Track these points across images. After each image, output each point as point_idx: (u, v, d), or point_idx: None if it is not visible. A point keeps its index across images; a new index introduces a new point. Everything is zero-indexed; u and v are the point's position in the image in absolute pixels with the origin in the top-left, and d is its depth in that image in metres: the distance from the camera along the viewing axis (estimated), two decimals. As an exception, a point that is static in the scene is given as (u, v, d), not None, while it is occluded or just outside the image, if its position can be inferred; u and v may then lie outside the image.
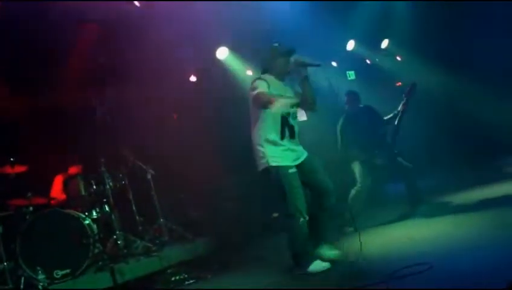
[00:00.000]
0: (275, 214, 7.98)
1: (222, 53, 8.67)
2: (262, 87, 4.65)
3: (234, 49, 8.72)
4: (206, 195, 8.64)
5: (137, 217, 7.20)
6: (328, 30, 9.09)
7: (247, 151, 8.49)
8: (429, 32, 10.07)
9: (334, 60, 10.22)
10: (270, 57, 4.94)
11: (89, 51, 7.47)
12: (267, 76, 4.88)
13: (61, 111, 7.71)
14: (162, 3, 7.19)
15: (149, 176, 7.46)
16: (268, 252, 6.41)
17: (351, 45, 10.14)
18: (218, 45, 8.61)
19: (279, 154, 4.73)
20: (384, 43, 10.75)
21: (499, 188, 6.60)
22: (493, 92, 9.63)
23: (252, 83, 4.81)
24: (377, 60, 11.03)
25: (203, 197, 8.62)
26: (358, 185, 6.71)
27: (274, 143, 4.74)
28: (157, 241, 7.01)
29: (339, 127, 7.00)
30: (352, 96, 7.17)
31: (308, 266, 4.64)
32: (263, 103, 4.60)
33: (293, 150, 4.82)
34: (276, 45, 4.97)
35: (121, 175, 7.11)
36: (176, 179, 8.42)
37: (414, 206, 6.65)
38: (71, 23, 6.89)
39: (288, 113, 4.84)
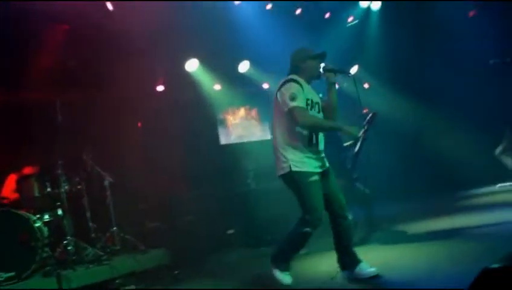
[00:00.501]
0: (231, 231, 7.97)
1: (192, 65, 8.66)
2: (298, 93, 4.43)
3: (204, 61, 8.72)
4: (164, 207, 8.55)
5: (90, 224, 7.04)
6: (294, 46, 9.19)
7: (210, 165, 8.63)
8: (399, 63, 10.29)
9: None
10: (301, 58, 4.69)
11: (55, 52, 7.37)
12: (298, 78, 4.61)
13: (18, 110, 7.53)
14: (135, 12, 7.18)
15: (107, 183, 7.33)
16: (221, 268, 6.38)
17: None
18: (189, 56, 8.61)
19: (302, 159, 4.52)
20: (354, 69, 10.91)
21: (450, 220, 6.75)
22: (456, 126, 9.87)
23: (284, 83, 4.57)
24: (345, 84, 11.18)
25: (161, 209, 8.53)
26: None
27: (299, 149, 4.54)
28: (109, 250, 6.87)
29: None
30: None
31: (281, 270, 4.71)
32: (305, 123, 4.44)
33: (317, 158, 4.62)
34: (306, 48, 4.81)
35: (77, 179, 6.97)
36: (135, 188, 8.31)
37: (369, 232, 6.71)
38: (38, 23, 6.80)
39: (315, 105, 4.67)
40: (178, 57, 8.45)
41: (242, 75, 9.15)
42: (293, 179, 4.54)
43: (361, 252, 5.78)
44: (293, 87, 4.47)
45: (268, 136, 9.80)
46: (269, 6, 9.01)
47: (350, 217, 4.77)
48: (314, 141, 4.56)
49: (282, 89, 4.52)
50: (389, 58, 10.21)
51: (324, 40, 9.53)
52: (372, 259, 5.27)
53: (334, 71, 4.71)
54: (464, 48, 9.43)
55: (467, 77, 9.46)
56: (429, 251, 5.10)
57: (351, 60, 10.42)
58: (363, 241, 6.39)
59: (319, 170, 4.61)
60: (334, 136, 7.02)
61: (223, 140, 9.34)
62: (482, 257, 4.39)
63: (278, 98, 4.56)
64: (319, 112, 4.66)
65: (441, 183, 9.60)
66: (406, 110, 10.37)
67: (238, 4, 8.67)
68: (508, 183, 9.13)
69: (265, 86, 9.64)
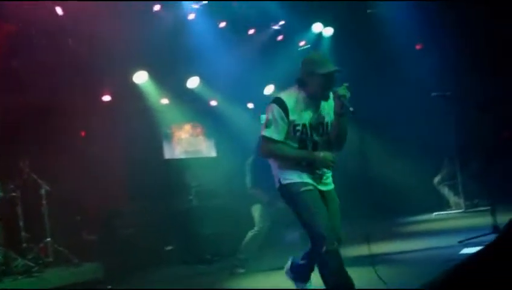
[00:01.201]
0: (169, 247, 7.86)
1: (140, 77, 8.55)
2: (275, 120, 3.81)
3: (154, 74, 8.63)
4: (103, 219, 8.35)
5: (23, 233, 6.79)
6: (250, 69, 9.26)
7: (153, 179, 8.51)
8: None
9: (250, 102, 10.32)
10: (308, 70, 3.90)
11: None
12: (294, 94, 3.92)
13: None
14: (85, 19, 7.07)
15: (43, 191, 7.10)
16: (156, 285, 6.26)
17: (269, 89, 10.31)
18: (138, 68, 8.50)
19: (293, 170, 3.93)
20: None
21: (385, 245, 6.89)
22: (399, 154, 10.10)
23: (271, 102, 3.94)
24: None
25: (100, 221, 8.33)
26: (256, 227, 6.71)
27: (288, 165, 3.96)
28: (41, 262, 6.62)
29: (247, 167, 7.01)
30: None
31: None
32: (264, 156, 4.03)
33: (313, 176, 3.95)
34: (320, 57, 4.10)
35: (12, 186, 6.74)
36: (73, 198, 8.07)
37: None
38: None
39: (315, 143, 3.96)
40: (127, 68, 8.33)
41: (191, 90, 9.11)
42: (284, 194, 4.02)
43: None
44: (273, 111, 3.84)
45: (213, 154, 9.77)
46: (223, 24, 9.05)
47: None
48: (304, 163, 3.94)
49: (267, 108, 3.94)
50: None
51: (275, 61, 9.64)
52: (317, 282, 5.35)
53: (342, 102, 3.81)
54: (409, 79, 9.72)
55: (411, 107, 9.74)
56: (360, 275, 5.13)
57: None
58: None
59: (316, 183, 3.94)
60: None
61: (168, 154, 9.23)
62: (410, 281, 4.46)
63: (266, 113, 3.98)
64: (319, 135, 3.96)
65: (382, 209, 9.78)
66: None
67: (192, 20, 8.68)
68: (444, 212, 9.42)
69: (213, 103, 9.62)
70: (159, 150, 9.15)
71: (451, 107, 7.60)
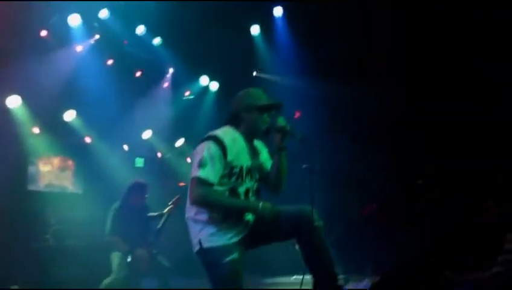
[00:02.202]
0: (15, 286, 7.30)
1: (13, 101, 8.06)
2: (211, 160, 3.36)
3: (28, 101, 8.17)
4: None
5: None
6: (130, 111, 9.13)
7: (11, 210, 7.88)
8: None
9: (126, 143, 10.12)
10: (245, 106, 3.57)
11: None
12: (230, 132, 3.54)
13: None
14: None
15: None
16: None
17: (147, 134, 10.20)
18: (12, 92, 8.02)
19: (217, 227, 3.44)
20: (179, 142, 11.04)
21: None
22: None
23: (201, 142, 3.49)
24: (168, 155, 11.24)
25: None
26: (113, 275, 6.47)
27: (209, 223, 3.46)
28: None
29: (111, 212, 6.80)
30: (142, 189, 6.99)
31: None
32: (196, 201, 3.42)
33: (241, 221, 3.50)
34: (256, 90, 3.70)
35: None
36: None
37: None
38: None
39: (247, 190, 3.56)
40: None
41: (66, 123, 8.74)
42: (203, 260, 3.50)
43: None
44: (206, 150, 3.40)
45: (80, 191, 9.37)
46: (110, 61, 8.89)
47: (319, 223, 3.47)
48: (233, 217, 3.48)
49: (198, 147, 3.49)
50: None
51: (157, 107, 9.61)
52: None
53: (285, 133, 3.54)
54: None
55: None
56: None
57: (178, 132, 10.55)
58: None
59: (241, 236, 3.47)
60: (141, 205, 6.94)
61: (31, 186, 8.67)
62: None
63: (192, 165, 3.50)
64: (253, 180, 3.59)
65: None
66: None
67: (80, 52, 8.44)
68: (300, 277, 9.70)
69: (88, 140, 9.28)
70: (23, 180, 8.58)
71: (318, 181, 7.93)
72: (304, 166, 3.82)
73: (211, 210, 3.44)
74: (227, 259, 3.36)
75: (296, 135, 3.55)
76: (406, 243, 8.85)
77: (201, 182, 3.35)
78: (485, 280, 3.92)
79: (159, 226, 6.87)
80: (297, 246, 7.04)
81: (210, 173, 3.36)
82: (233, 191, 3.50)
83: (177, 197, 6.97)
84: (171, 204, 6.89)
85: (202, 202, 3.41)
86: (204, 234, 3.43)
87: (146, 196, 6.99)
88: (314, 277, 3.50)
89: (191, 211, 3.52)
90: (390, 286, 3.90)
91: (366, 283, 3.50)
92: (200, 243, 3.44)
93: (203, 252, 3.44)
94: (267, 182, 3.68)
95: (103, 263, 6.77)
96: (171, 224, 7.09)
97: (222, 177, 3.44)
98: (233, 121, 3.61)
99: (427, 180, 7.80)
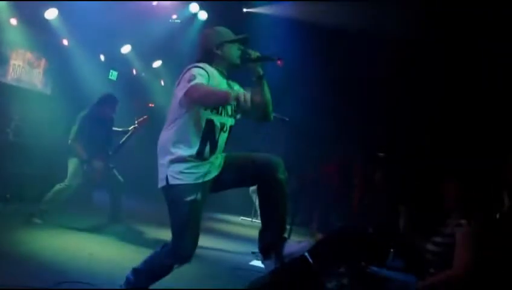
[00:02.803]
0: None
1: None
2: (201, 78, 3.40)
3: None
4: None
5: None
6: (114, 22, 8.86)
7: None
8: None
9: (103, 54, 9.94)
10: (215, 42, 3.65)
11: None
12: (206, 66, 3.58)
13: None
14: None
15: None
16: None
17: (126, 49, 10.05)
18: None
19: (187, 163, 3.47)
20: (157, 64, 10.93)
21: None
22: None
23: (186, 71, 3.49)
24: (143, 74, 11.13)
25: None
26: (67, 182, 6.51)
27: (181, 159, 3.47)
28: None
29: (78, 119, 6.76)
30: (113, 102, 6.93)
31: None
32: (199, 97, 3.36)
33: (209, 156, 3.54)
34: (223, 28, 3.76)
35: None
36: None
37: (112, 221, 6.79)
38: None
39: (223, 125, 3.59)
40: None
41: (46, 21, 8.47)
42: (167, 195, 3.54)
43: (95, 242, 5.84)
44: (194, 71, 3.45)
45: (48, 92, 9.24)
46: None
47: (283, 175, 3.53)
48: (206, 153, 3.51)
49: (184, 75, 3.49)
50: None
51: (142, 24, 9.38)
52: (108, 252, 5.41)
53: (259, 59, 3.60)
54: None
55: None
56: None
57: (157, 53, 10.40)
58: (101, 230, 6.44)
59: (209, 174, 3.53)
60: (108, 118, 6.93)
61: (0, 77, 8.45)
62: (191, 278, 4.64)
63: (176, 90, 3.50)
64: (230, 116, 3.64)
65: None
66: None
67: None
68: (249, 219, 10.01)
69: (65, 42, 9.06)
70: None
71: (285, 130, 7.94)
72: (274, 115, 3.86)
73: (180, 143, 3.47)
74: (190, 198, 3.42)
75: (273, 57, 3.59)
76: (353, 210, 9.14)
77: (196, 85, 3.35)
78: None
79: (120, 142, 6.95)
80: (252, 192, 7.24)
81: (200, 81, 3.39)
82: (210, 123, 3.53)
83: (144, 117, 6.99)
84: (137, 123, 6.91)
85: (204, 98, 3.39)
86: (173, 171, 3.46)
87: (115, 110, 6.97)
88: (264, 223, 3.63)
89: (167, 143, 3.53)
90: (330, 247, 4.05)
91: (307, 241, 3.62)
92: (166, 179, 3.47)
93: (168, 188, 3.48)
94: (252, 113, 3.70)
95: (60, 167, 6.80)
96: (133, 142, 7.16)
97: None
98: (206, 58, 3.66)
99: (389, 154, 8.00)
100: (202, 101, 3.41)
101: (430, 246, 3.95)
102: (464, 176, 4.02)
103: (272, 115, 3.73)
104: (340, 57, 9.43)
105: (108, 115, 6.90)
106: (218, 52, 3.65)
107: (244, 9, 10.14)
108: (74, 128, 6.67)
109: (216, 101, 3.46)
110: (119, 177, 6.87)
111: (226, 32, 3.72)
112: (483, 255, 3.81)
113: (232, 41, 3.66)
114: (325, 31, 9.02)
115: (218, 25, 3.87)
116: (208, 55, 3.66)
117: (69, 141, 6.64)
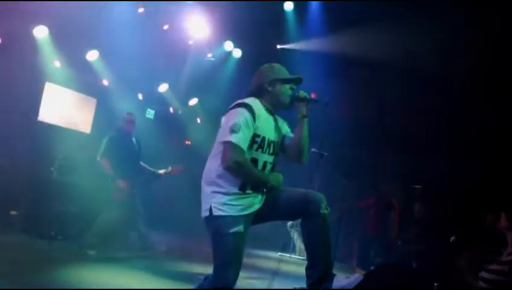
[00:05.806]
0: (14, 212, 7.47)
1: (40, 32, 8.07)
2: (243, 126, 3.43)
3: (54, 31, 8.17)
4: None
5: None
6: (151, 61, 9.09)
7: (20, 138, 7.86)
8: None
9: (141, 92, 10.19)
10: (268, 79, 3.70)
11: None
12: (256, 102, 3.61)
13: None
14: None
15: None
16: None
17: (163, 88, 10.29)
18: (39, 22, 8.02)
19: (230, 196, 3.51)
20: (193, 101, 11.13)
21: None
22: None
23: (234, 107, 3.55)
24: (179, 112, 11.32)
25: None
26: (114, 214, 6.73)
27: (225, 191, 3.52)
28: None
29: (106, 138, 6.96)
30: (132, 118, 7.16)
31: None
32: (230, 166, 3.43)
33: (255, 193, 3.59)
34: (279, 65, 3.80)
35: None
36: None
37: (142, 250, 6.99)
38: None
39: (265, 163, 3.63)
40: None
41: (88, 63, 8.77)
42: (210, 226, 3.54)
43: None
44: (240, 116, 3.46)
45: (87, 131, 9.46)
46: (141, 9, 8.77)
47: (326, 211, 3.54)
48: (248, 187, 3.55)
49: (228, 113, 3.54)
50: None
51: (177, 63, 9.61)
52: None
53: (307, 100, 3.70)
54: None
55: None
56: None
57: (193, 91, 10.58)
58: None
59: (251, 210, 3.56)
60: (131, 130, 7.09)
61: (43, 117, 8.69)
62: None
63: (222, 122, 3.57)
64: (272, 154, 3.66)
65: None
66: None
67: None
68: (287, 254, 9.93)
69: (105, 82, 9.34)
70: (34, 110, 8.60)
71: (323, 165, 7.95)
72: (313, 150, 3.93)
73: (236, 178, 3.50)
74: (233, 230, 3.46)
75: (321, 100, 3.72)
76: (393, 243, 9.00)
77: (235, 147, 3.42)
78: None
79: (144, 180, 7.13)
80: (290, 227, 7.17)
81: (241, 139, 3.43)
82: (254, 161, 3.57)
83: (180, 166, 7.09)
84: (171, 171, 7.02)
85: (236, 169, 3.46)
86: (217, 202, 3.49)
87: (134, 123, 7.11)
88: (310, 260, 3.61)
89: (211, 173, 3.55)
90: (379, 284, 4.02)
91: (356, 275, 3.58)
92: (210, 209, 3.50)
93: (212, 219, 3.50)
94: (289, 151, 3.76)
95: (99, 203, 7.00)
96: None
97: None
98: (257, 93, 3.71)
99: (425, 187, 7.91)
100: (228, 170, 3.46)
101: (485, 275, 3.90)
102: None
103: (306, 159, 3.77)
104: (375, 89, 9.45)
105: (130, 129, 7.05)
106: (270, 88, 3.69)
107: (278, 46, 10.32)
108: (101, 147, 6.88)
109: (251, 182, 3.53)
110: (140, 206, 6.97)
111: (280, 70, 3.75)
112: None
113: (283, 81, 3.71)
114: (365, 63, 9.09)
115: (252, 62, 3.97)
116: (259, 90, 3.71)
117: (97, 158, 6.84)
